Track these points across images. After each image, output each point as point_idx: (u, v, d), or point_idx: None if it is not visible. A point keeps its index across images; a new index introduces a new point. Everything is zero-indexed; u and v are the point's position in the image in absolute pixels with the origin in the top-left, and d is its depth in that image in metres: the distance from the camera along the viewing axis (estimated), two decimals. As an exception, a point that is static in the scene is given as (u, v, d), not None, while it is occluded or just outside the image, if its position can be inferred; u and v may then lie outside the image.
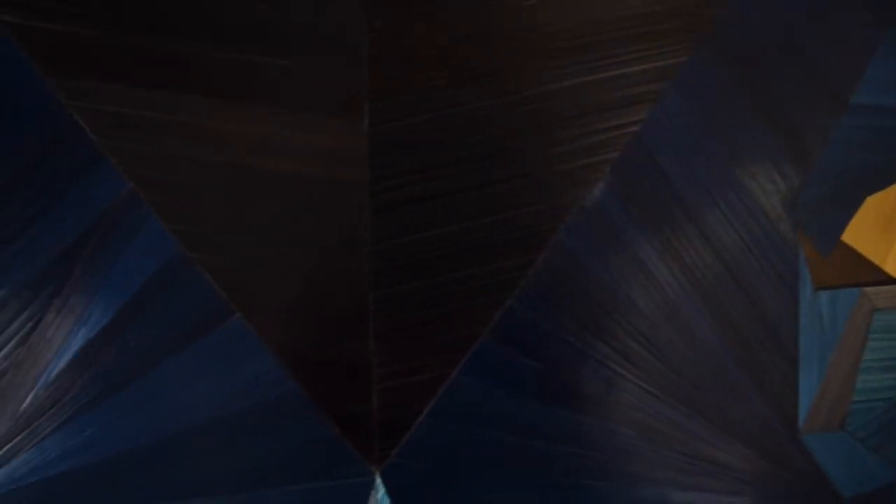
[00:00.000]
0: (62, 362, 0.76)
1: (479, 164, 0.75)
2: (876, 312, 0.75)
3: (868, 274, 0.77)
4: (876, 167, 0.76)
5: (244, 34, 0.75)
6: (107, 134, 0.79)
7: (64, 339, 0.76)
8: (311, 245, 0.75)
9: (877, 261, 0.77)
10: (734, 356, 0.74)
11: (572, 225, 0.74)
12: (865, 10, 0.77)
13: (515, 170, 0.75)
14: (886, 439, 0.75)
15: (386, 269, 0.76)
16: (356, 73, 0.75)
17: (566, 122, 0.75)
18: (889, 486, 0.76)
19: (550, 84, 0.74)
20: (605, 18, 0.74)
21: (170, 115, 0.77)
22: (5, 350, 0.76)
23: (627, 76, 0.74)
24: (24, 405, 0.76)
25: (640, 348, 0.74)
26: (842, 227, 0.76)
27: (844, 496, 0.74)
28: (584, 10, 0.74)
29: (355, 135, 0.75)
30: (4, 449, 0.77)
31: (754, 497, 0.73)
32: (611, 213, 0.74)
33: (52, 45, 0.86)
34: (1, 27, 0.87)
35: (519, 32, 0.75)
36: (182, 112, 0.75)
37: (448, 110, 0.74)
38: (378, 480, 0.82)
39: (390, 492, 0.83)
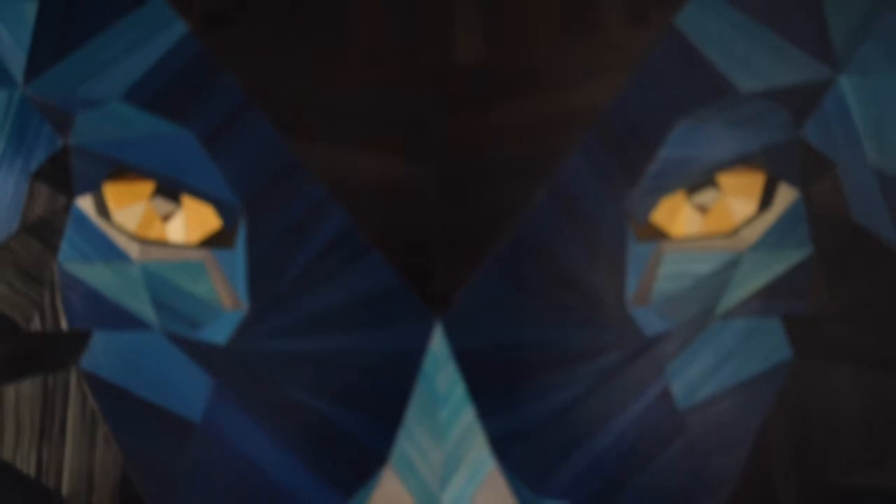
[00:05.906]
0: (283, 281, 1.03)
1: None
2: (665, 254, 1.11)
3: (659, 234, 1.11)
4: (674, 183, 1.11)
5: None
6: (329, 177, 0.99)
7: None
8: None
9: (664, 226, 1.13)
10: (601, 274, 1.09)
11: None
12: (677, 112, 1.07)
13: None
14: (669, 310, 1.12)
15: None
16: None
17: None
18: (665, 330, 1.10)
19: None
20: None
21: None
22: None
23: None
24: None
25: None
26: (650, 211, 1.11)
27: (647, 335, 1.07)
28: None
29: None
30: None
31: (614, 337, 1.07)
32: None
33: (286, 114, 0.98)
34: (247, 106, 0.98)
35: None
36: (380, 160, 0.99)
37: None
38: (438, 327, 0.93)
39: (449, 335, 0.94)
